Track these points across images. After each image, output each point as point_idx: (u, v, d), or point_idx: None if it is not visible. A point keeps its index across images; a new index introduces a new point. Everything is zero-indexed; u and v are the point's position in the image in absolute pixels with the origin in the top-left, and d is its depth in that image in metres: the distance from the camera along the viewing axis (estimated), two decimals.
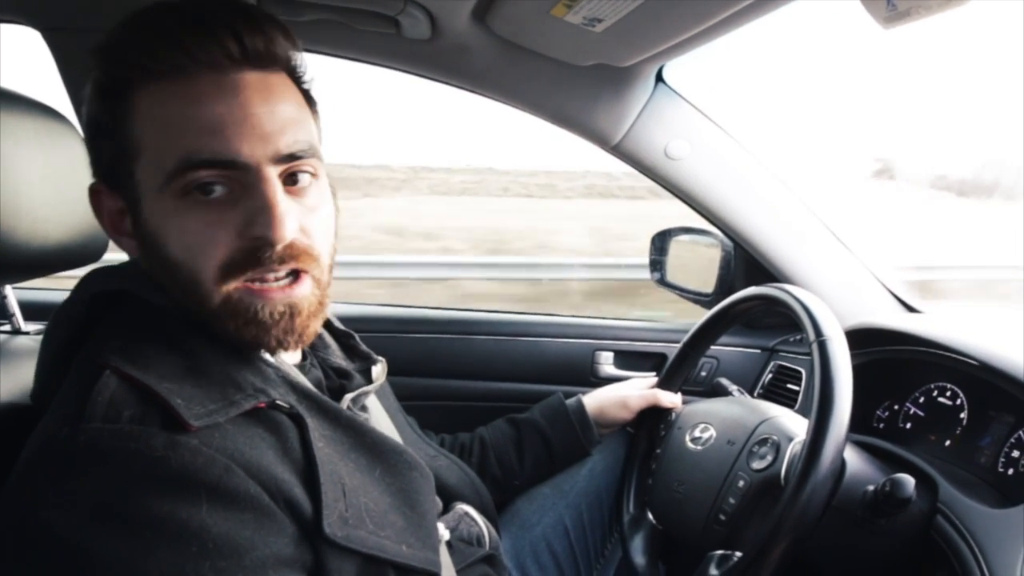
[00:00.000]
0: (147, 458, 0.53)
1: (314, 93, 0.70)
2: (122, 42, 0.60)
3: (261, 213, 0.59)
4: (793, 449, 0.90)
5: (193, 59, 0.59)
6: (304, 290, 0.65)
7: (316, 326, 0.67)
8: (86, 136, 0.66)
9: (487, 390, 1.52)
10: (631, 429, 1.21)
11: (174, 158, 0.58)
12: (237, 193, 0.60)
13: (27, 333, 0.90)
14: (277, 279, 0.63)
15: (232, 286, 0.61)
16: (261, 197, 0.59)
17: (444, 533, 0.84)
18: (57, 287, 1.54)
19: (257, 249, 0.60)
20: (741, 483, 0.93)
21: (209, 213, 0.60)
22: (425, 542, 0.69)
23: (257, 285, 0.62)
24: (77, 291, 0.66)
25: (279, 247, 0.60)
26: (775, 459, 0.91)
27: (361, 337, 0.91)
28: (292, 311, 0.64)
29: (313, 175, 0.66)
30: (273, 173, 0.61)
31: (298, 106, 0.65)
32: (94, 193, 0.66)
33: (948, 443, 1.04)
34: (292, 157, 0.62)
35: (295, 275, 0.64)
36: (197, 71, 0.59)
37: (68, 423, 0.55)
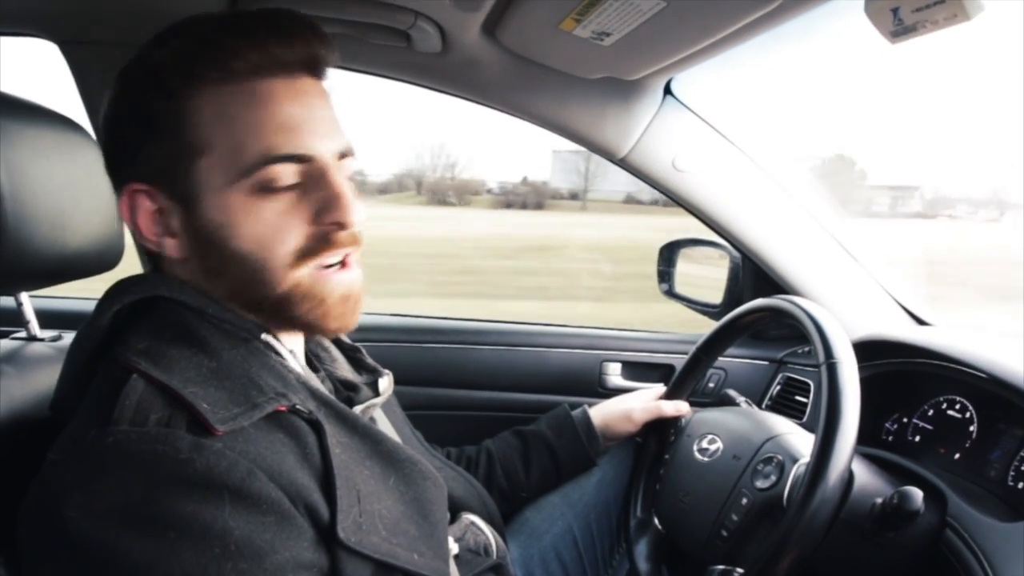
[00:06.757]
0: (172, 460, 0.54)
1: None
2: (199, 44, 0.63)
3: (336, 200, 0.65)
4: (797, 471, 0.90)
5: (273, 60, 0.63)
6: (356, 273, 0.71)
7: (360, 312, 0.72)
8: (118, 139, 0.66)
9: (494, 400, 1.53)
10: (639, 439, 1.21)
11: (252, 155, 0.62)
12: (307, 186, 0.65)
13: (42, 340, 0.91)
14: (331, 265, 0.68)
15: (303, 272, 0.66)
16: (334, 187, 0.65)
17: (453, 547, 0.84)
18: (71, 295, 1.56)
19: (329, 234, 0.66)
20: (744, 500, 0.93)
21: (281, 204, 0.64)
22: (436, 552, 0.69)
23: (323, 270, 0.67)
24: (107, 301, 0.66)
25: (351, 231, 0.66)
26: (779, 479, 0.91)
27: (368, 346, 0.91)
28: (351, 292, 0.70)
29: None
30: (338, 167, 0.67)
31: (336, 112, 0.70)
32: (130, 194, 0.65)
33: (957, 456, 1.04)
34: (345, 154, 0.68)
35: (342, 261, 0.69)
36: (272, 73, 0.64)
37: (96, 425, 0.56)
